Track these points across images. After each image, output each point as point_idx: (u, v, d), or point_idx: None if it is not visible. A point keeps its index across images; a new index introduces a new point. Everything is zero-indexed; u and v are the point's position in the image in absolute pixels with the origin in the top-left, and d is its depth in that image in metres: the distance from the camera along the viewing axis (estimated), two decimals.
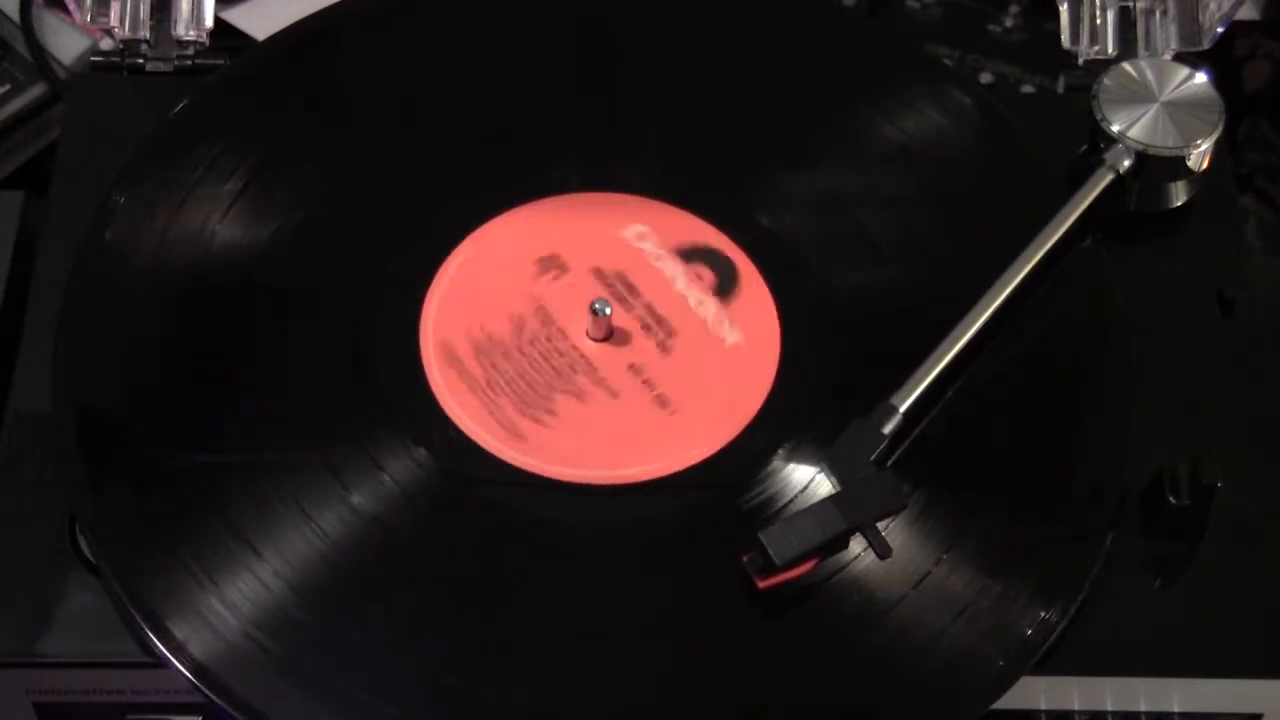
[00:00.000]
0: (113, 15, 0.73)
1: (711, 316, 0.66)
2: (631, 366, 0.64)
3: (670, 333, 0.65)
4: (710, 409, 0.63)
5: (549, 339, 0.65)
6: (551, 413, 0.63)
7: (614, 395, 0.64)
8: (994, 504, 0.62)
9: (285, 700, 0.57)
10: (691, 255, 0.67)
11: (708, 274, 0.67)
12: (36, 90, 0.82)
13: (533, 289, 0.66)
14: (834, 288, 0.67)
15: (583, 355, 0.64)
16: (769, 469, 0.62)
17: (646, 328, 0.65)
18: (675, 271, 0.67)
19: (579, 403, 0.63)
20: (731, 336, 0.65)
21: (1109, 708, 0.61)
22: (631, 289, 0.66)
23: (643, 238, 0.67)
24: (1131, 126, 0.68)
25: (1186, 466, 0.62)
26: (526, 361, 0.64)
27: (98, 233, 0.65)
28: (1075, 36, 0.74)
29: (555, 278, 0.66)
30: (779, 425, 0.63)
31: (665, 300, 0.66)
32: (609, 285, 0.66)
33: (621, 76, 0.73)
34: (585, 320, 0.65)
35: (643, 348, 0.65)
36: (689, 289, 0.66)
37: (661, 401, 0.64)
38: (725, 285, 0.66)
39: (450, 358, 0.64)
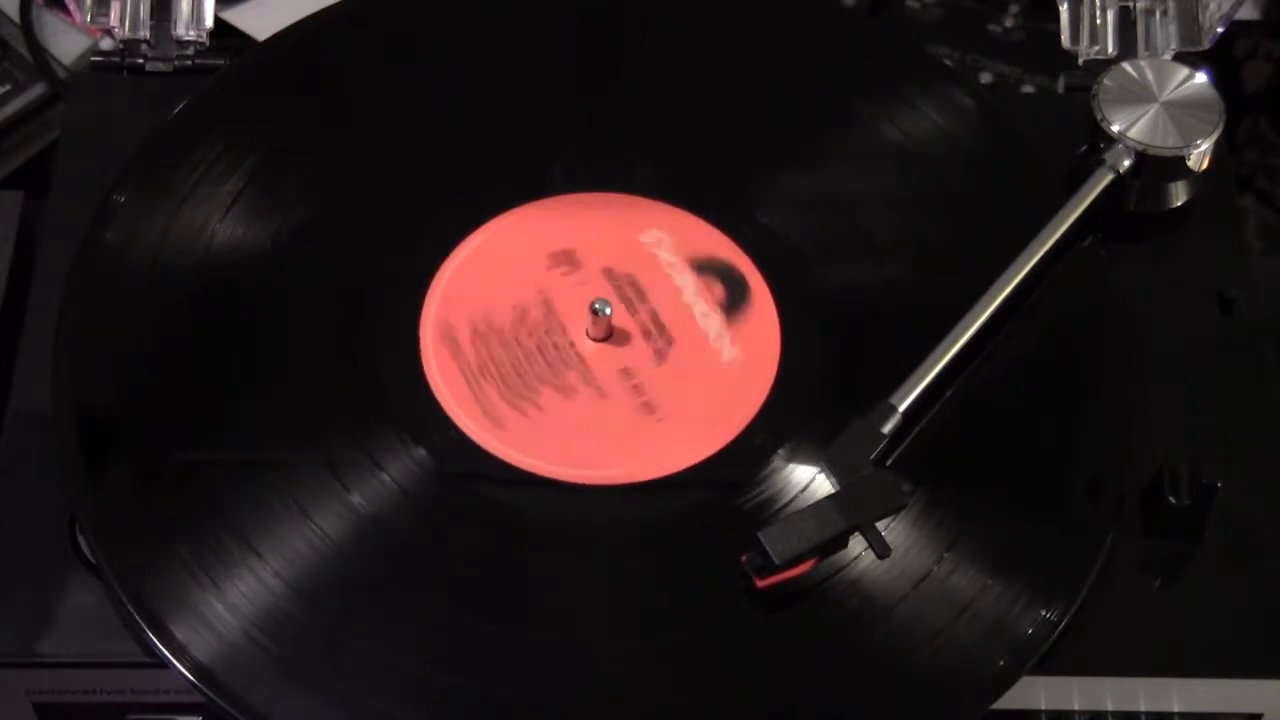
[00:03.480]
0: (113, 15, 0.73)
1: (714, 331, 0.65)
2: (626, 370, 0.64)
3: (670, 341, 0.65)
4: (696, 419, 0.63)
5: (548, 332, 0.65)
6: (537, 406, 0.63)
7: (603, 396, 0.64)
8: (994, 504, 0.62)
9: (285, 700, 0.57)
10: (705, 268, 0.67)
11: (718, 288, 0.66)
12: (36, 90, 0.82)
13: (542, 281, 0.66)
14: (834, 287, 0.67)
15: (578, 353, 0.64)
16: (769, 469, 0.62)
17: (647, 334, 0.65)
18: (686, 281, 0.66)
19: (565, 399, 0.63)
20: (729, 353, 0.65)
21: (1109, 708, 0.61)
22: (640, 293, 0.66)
23: (659, 244, 0.67)
24: (1131, 126, 0.68)
25: (1186, 466, 0.61)
26: (521, 352, 0.64)
27: (98, 233, 0.65)
28: (1075, 36, 0.74)
29: (566, 273, 0.66)
30: (779, 425, 0.63)
31: (671, 308, 0.66)
32: (618, 286, 0.66)
33: (622, 77, 0.73)
34: (586, 319, 0.65)
35: (641, 352, 0.65)
36: (696, 300, 0.66)
37: (649, 408, 0.63)
38: (735, 301, 0.66)
39: (447, 338, 0.64)
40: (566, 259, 0.67)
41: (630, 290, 0.66)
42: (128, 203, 0.66)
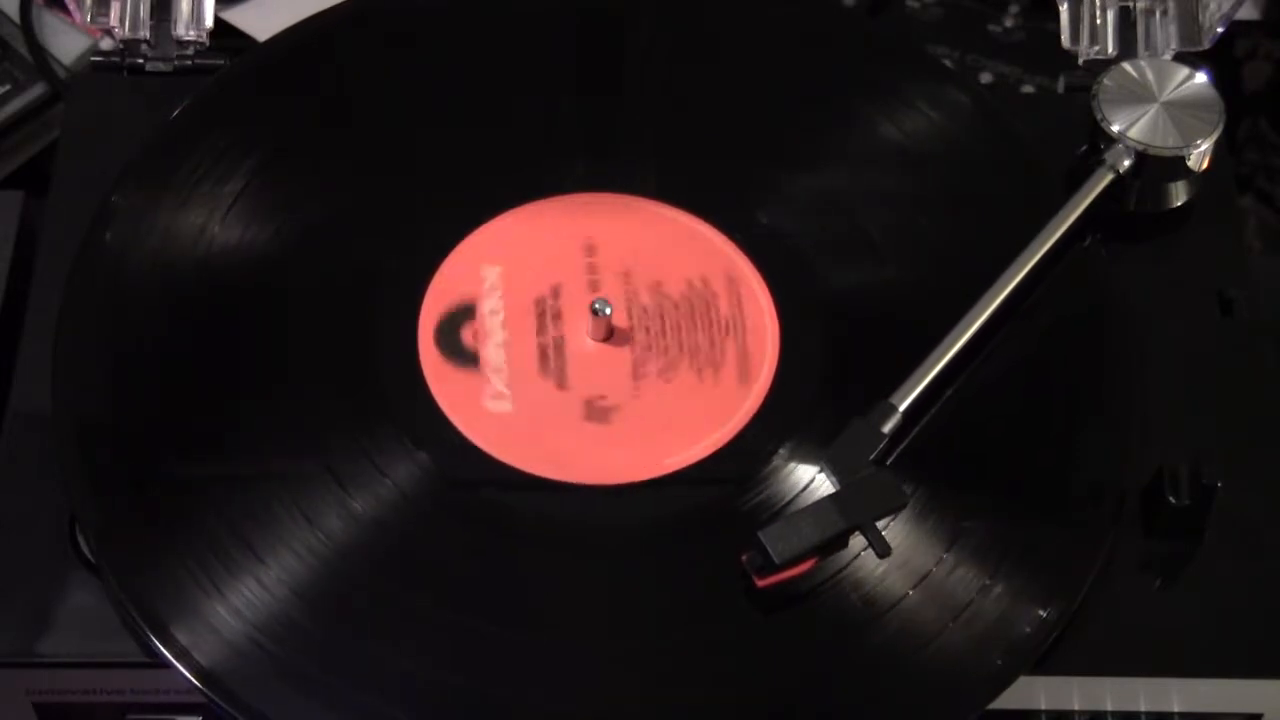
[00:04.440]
0: (113, 15, 0.73)
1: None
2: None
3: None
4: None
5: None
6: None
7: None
8: (994, 504, 0.62)
9: (285, 699, 0.57)
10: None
11: None
12: (36, 90, 0.82)
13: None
14: (834, 288, 0.67)
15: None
16: (769, 469, 0.62)
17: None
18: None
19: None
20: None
21: (1109, 708, 0.61)
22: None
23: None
24: (1131, 126, 0.68)
25: (1186, 466, 0.61)
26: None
27: (97, 233, 0.65)
28: (1075, 36, 0.74)
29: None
30: (779, 425, 0.63)
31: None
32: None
33: (622, 77, 0.73)
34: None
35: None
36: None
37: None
38: None
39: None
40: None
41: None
42: (128, 203, 0.66)
